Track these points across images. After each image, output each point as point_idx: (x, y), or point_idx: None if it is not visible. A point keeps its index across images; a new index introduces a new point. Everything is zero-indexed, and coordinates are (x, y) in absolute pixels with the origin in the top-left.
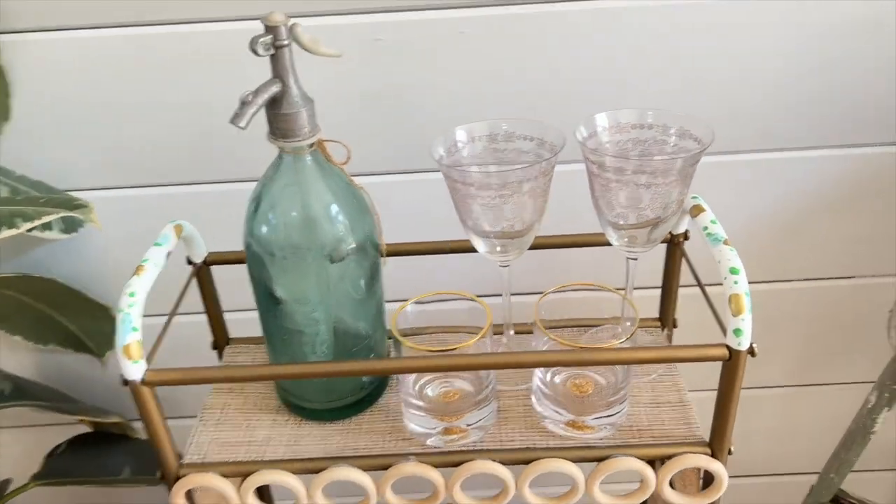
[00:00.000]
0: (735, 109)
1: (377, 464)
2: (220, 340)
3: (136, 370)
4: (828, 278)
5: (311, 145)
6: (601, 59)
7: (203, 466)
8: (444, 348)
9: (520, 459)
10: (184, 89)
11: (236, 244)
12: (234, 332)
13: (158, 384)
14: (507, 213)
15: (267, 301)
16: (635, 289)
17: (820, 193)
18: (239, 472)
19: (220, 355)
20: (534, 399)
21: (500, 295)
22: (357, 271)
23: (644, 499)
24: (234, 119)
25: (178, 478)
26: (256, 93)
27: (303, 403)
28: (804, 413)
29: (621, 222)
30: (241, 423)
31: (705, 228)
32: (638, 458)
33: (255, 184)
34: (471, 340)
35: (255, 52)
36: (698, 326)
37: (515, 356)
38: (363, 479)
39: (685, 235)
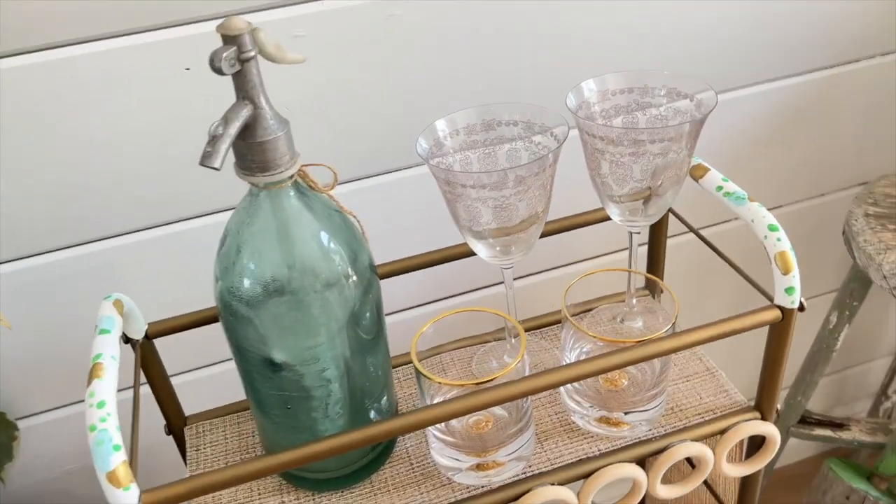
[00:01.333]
0: (669, 60)
1: None
2: (177, 423)
3: (128, 498)
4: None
5: (292, 175)
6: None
7: None
8: (480, 380)
9: (578, 475)
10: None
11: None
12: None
13: None
14: (510, 210)
15: (261, 369)
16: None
17: (757, 128)
18: None
19: (180, 442)
20: (563, 395)
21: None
22: (363, 308)
23: (705, 476)
24: (207, 159)
25: None
26: (226, 122)
27: (314, 476)
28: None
29: (623, 193)
30: None
31: (720, 189)
32: (694, 440)
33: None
34: (508, 367)
35: (218, 70)
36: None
37: (566, 370)
38: None
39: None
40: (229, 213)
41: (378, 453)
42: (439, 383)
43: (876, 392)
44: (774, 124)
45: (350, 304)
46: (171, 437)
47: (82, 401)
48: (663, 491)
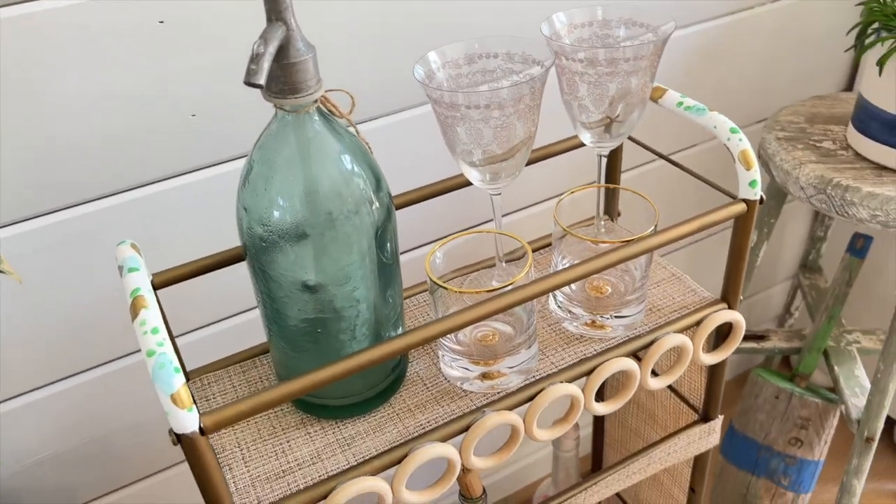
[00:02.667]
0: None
1: (454, 430)
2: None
3: (190, 420)
4: (691, 146)
5: (317, 99)
6: None
7: None
8: (497, 287)
9: (581, 373)
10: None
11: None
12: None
13: (221, 427)
14: (496, 136)
15: (294, 294)
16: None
17: (669, 71)
18: (312, 498)
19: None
20: (553, 304)
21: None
22: (386, 231)
23: (686, 365)
24: (252, 76)
25: None
26: (265, 41)
27: (333, 402)
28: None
29: (596, 120)
30: (272, 452)
31: (680, 104)
32: (676, 332)
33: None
34: (518, 276)
35: None
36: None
37: (571, 271)
38: (449, 451)
39: None
40: (219, 167)
41: (393, 379)
42: (455, 291)
43: (780, 313)
44: (685, 67)
45: (376, 224)
46: None
47: (48, 384)
48: (654, 383)
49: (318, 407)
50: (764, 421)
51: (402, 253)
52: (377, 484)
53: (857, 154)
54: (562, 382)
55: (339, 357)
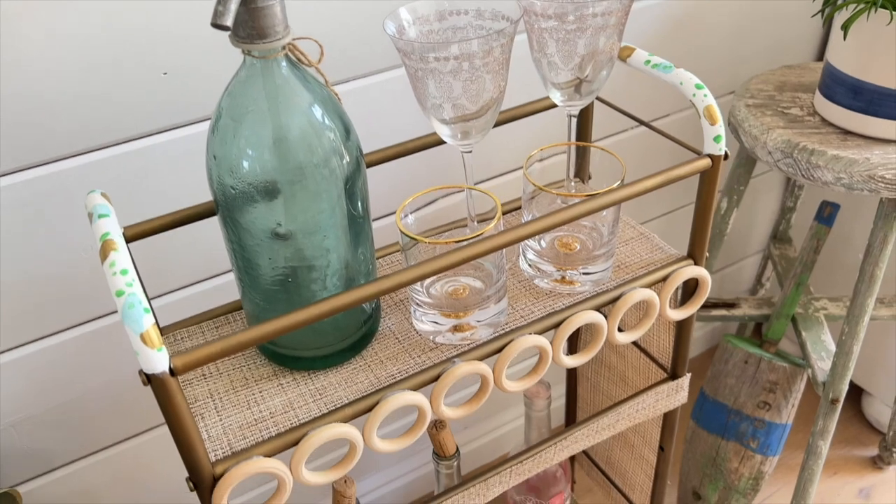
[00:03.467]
0: None
1: (424, 380)
2: None
3: (160, 360)
4: (665, 115)
5: (284, 46)
6: None
7: (240, 455)
8: (466, 237)
9: (549, 326)
10: None
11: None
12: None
13: (192, 367)
14: (466, 91)
15: (265, 243)
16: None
17: (641, 41)
18: (284, 444)
19: None
20: (523, 264)
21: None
22: (355, 183)
23: (653, 319)
24: (218, 17)
25: (216, 479)
26: None
27: (306, 354)
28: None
29: (565, 81)
30: (244, 402)
31: (648, 62)
32: (643, 287)
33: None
34: (487, 227)
35: None
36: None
37: (541, 221)
38: (419, 399)
39: None
40: (193, 126)
41: (365, 332)
42: (429, 242)
43: (752, 285)
44: (656, 37)
45: (345, 175)
46: None
47: (21, 345)
48: (621, 337)
49: (291, 359)
50: (733, 385)
51: (375, 219)
52: (348, 430)
53: (823, 119)
54: (530, 334)
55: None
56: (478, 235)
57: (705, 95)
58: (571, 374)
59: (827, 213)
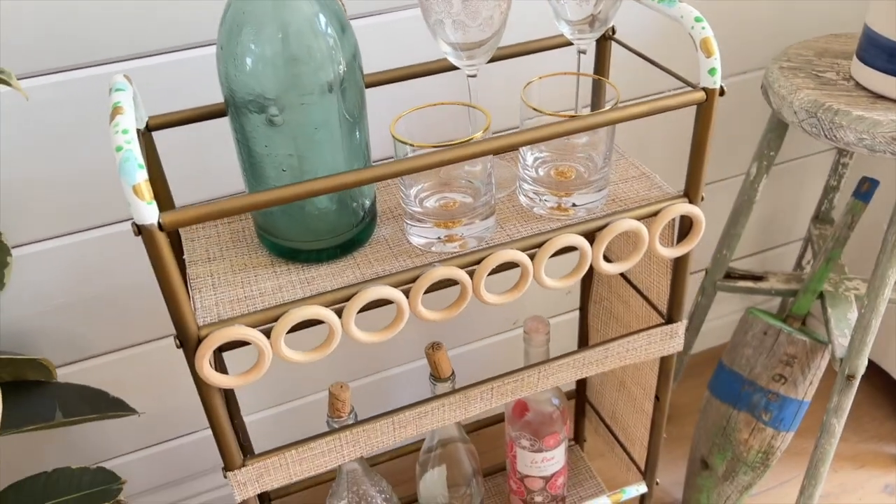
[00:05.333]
0: None
1: (404, 279)
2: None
3: (149, 212)
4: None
5: None
6: None
7: (225, 322)
8: (455, 141)
9: (532, 245)
10: None
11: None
12: None
13: (177, 226)
14: (465, 7)
15: (259, 130)
16: None
17: None
18: (266, 318)
19: (174, 240)
20: (521, 196)
21: None
22: (348, 87)
23: (642, 253)
24: None
25: (200, 339)
26: None
27: (299, 246)
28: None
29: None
30: (240, 282)
31: None
32: (632, 219)
33: None
34: (476, 134)
35: None
36: None
37: (525, 134)
38: (396, 295)
39: (612, 30)
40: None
41: (357, 234)
42: (416, 145)
43: (792, 269)
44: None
45: (338, 73)
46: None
47: (75, 232)
48: (606, 267)
49: (288, 250)
50: (750, 356)
51: (377, 161)
52: (324, 312)
53: (858, 84)
54: (511, 249)
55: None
56: (466, 141)
57: (703, 28)
58: (583, 326)
59: (865, 189)
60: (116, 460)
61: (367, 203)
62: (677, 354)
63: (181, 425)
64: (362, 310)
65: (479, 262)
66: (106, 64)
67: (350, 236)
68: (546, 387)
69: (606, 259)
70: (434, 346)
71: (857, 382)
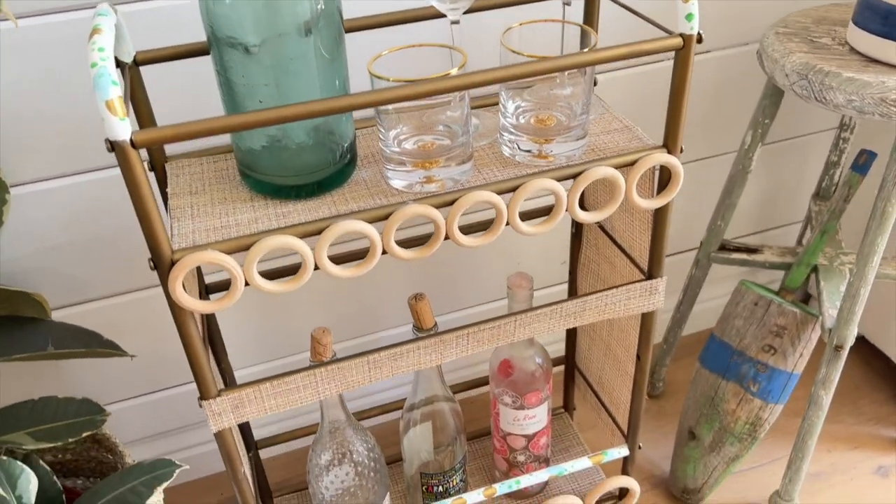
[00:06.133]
0: None
1: (378, 215)
2: (158, 158)
3: (122, 128)
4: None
5: None
6: None
7: (198, 247)
8: (429, 77)
9: (508, 188)
10: None
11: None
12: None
13: (149, 144)
14: None
15: (235, 58)
16: None
17: None
18: (239, 246)
19: (160, 176)
20: (503, 146)
21: None
22: (326, 24)
23: (619, 202)
24: None
25: (173, 263)
26: None
27: (278, 181)
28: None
29: None
30: (218, 213)
31: None
32: (610, 167)
33: None
34: (452, 70)
35: None
36: None
37: (499, 71)
38: (368, 229)
39: None
40: None
41: (335, 171)
42: (391, 80)
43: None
44: None
45: (315, 5)
46: (153, 172)
47: (73, 174)
48: (582, 215)
49: (267, 186)
50: (741, 327)
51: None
52: (296, 242)
53: (852, 49)
54: (485, 191)
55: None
56: (442, 76)
57: None
58: (572, 290)
59: (863, 161)
60: (109, 407)
61: (346, 143)
62: (671, 329)
63: (177, 375)
64: (345, 259)
65: (453, 202)
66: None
67: (328, 174)
68: (523, 336)
69: (584, 210)
70: (417, 297)
71: (845, 353)
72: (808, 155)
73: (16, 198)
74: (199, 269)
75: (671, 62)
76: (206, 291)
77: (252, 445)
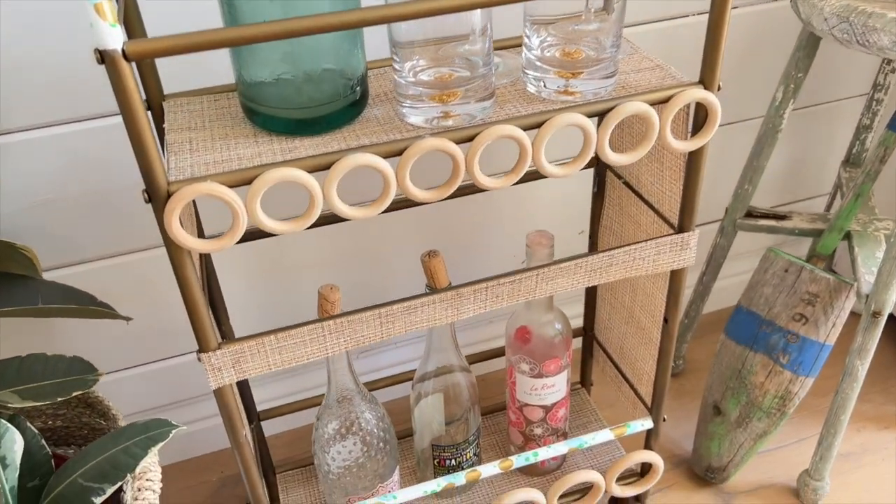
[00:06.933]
0: None
1: (392, 149)
2: (155, 97)
3: (112, 36)
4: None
5: None
6: None
7: (198, 179)
8: None
9: (534, 123)
10: None
11: None
12: None
13: (142, 56)
14: None
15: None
16: None
17: None
18: (241, 179)
19: (157, 115)
20: (527, 84)
21: None
22: None
23: (652, 141)
24: None
25: (169, 194)
26: None
27: (283, 115)
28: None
29: None
30: (219, 147)
31: None
32: (643, 101)
33: None
34: None
35: None
36: None
37: None
38: (381, 163)
39: None
40: None
41: (345, 105)
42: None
43: None
44: None
45: None
46: (149, 112)
47: (68, 122)
48: (612, 156)
49: (272, 120)
50: (769, 295)
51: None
52: (304, 175)
53: None
54: (511, 125)
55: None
56: None
57: None
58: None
59: None
60: (107, 377)
61: (357, 76)
62: (692, 303)
63: (174, 345)
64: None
65: (473, 137)
66: None
67: (337, 108)
68: (545, 293)
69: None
70: (430, 254)
71: (883, 320)
72: (835, 124)
73: (5, 146)
74: (198, 222)
75: (698, 17)
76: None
77: (254, 417)
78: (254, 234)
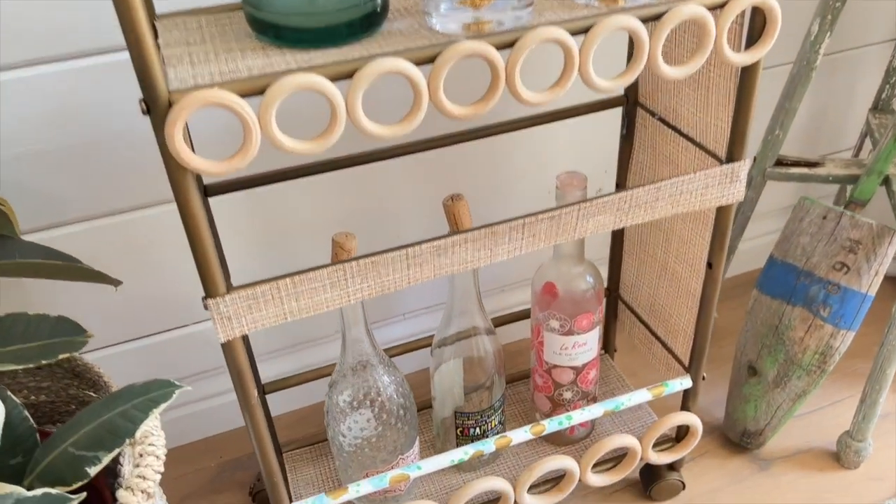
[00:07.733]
0: None
1: (424, 56)
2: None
3: None
4: None
5: None
6: None
7: (203, 87)
8: None
9: (581, 27)
10: None
11: None
12: None
13: None
14: None
15: None
16: None
17: None
18: (252, 88)
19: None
20: None
21: None
22: None
23: (707, 51)
24: None
25: (171, 104)
26: None
27: (296, 22)
28: None
29: None
30: (224, 60)
31: None
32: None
33: None
34: None
35: None
36: None
37: None
38: (411, 69)
39: None
40: None
41: (369, 10)
42: None
43: None
44: None
45: None
46: None
47: (57, 60)
48: (666, 68)
49: (283, 29)
50: (807, 244)
51: None
52: (324, 83)
53: None
54: (557, 27)
55: None
56: None
57: None
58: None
59: None
60: (93, 354)
61: None
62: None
63: (167, 317)
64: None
65: (514, 43)
66: None
67: (357, 15)
68: (585, 232)
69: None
70: (454, 198)
71: None
72: (858, 72)
73: None
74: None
75: None
76: (204, 193)
77: (260, 391)
78: (254, 181)
